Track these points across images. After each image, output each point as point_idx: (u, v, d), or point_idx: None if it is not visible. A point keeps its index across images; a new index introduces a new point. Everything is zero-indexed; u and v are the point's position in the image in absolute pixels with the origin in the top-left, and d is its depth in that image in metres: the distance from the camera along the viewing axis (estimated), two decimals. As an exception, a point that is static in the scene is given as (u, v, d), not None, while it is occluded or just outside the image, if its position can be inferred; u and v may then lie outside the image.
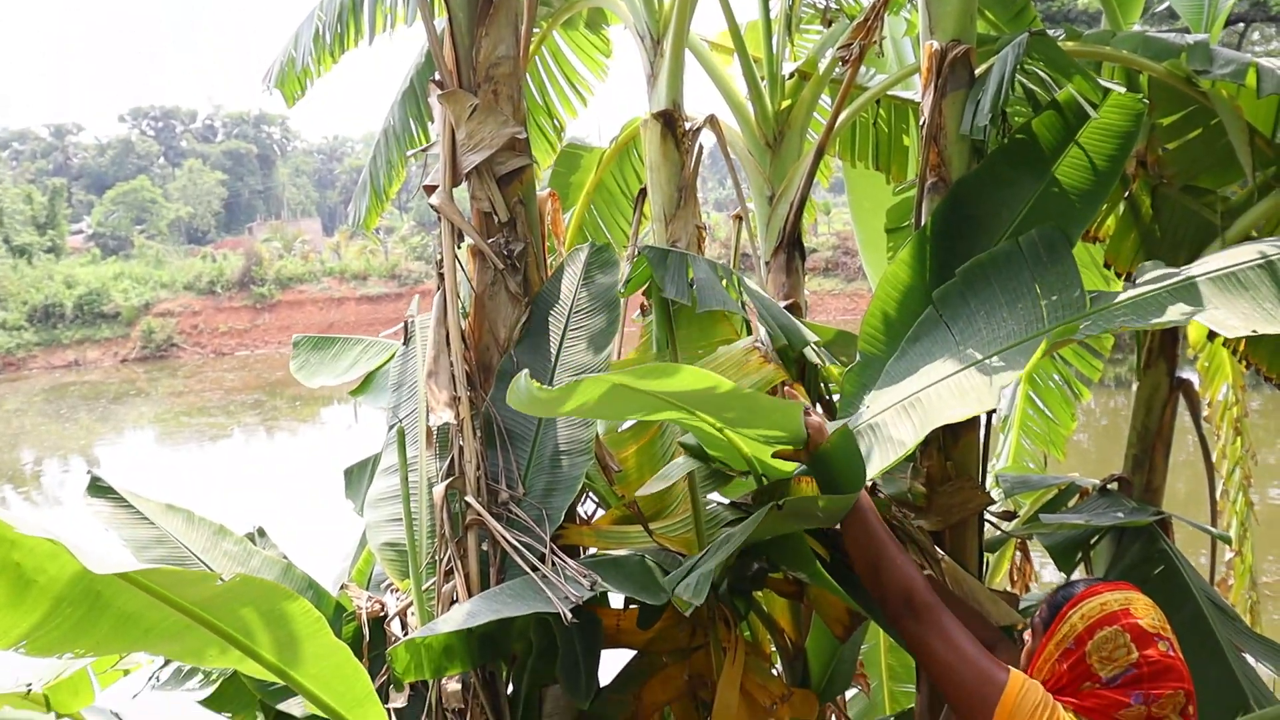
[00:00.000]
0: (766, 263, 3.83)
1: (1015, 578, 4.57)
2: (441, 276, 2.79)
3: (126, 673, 3.05)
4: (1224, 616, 3.08)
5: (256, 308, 38.68)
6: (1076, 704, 1.95)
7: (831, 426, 2.24)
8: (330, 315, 38.32)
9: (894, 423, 2.35)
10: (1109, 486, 3.50)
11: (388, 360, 3.43)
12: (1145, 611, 1.98)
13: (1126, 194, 3.59)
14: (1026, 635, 2.17)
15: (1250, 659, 2.96)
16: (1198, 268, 2.35)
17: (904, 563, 2.15)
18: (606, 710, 2.53)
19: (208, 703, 2.85)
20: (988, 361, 2.36)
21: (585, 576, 2.28)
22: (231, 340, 37.18)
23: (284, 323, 37.54)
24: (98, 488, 2.98)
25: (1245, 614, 6.10)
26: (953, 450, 2.85)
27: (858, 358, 2.80)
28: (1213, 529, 3.94)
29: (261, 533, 3.27)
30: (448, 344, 2.70)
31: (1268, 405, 16.98)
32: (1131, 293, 2.35)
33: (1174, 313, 2.23)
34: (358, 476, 3.68)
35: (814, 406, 2.94)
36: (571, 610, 2.14)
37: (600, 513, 2.92)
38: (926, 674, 2.69)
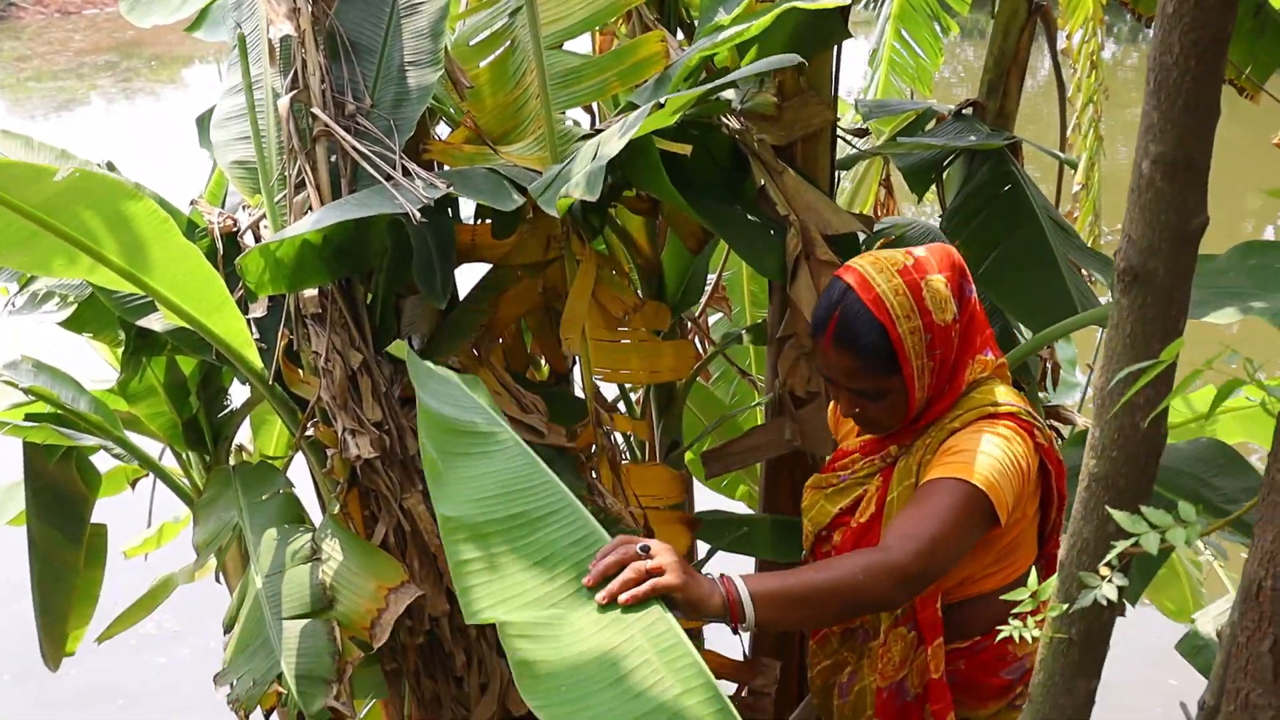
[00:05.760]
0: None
1: (879, 212, 4.72)
2: (272, -119, 2.63)
3: (-18, 304, 3.03)
4: (1064, 235, 3.23)
5: (102, -37, 36.03)
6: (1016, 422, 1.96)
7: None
8: (183, -29, 35.88)
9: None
10: (964, 111, 3.55)
11: (223, -10, 3.23)
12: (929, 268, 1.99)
13: None
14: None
15: (1085, 273, 3.13)
16: None
17: (822, 587, 1.78)
18: (463, 320, 2.61)
19: (68, 324, 2.86)
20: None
21: (438, 182, 2.29)
22: (77, -1, 34.77)
23: (133, -20, 35.07)
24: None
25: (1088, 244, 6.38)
26: (806, 67, 2.86)
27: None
28: (1060, 154, 4.07)
29: (112, 166, 3.19)
30: (284, -48, 2.57)
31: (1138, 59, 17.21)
32: None
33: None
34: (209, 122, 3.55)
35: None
36: (422, 211, 2.16)
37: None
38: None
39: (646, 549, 1.61)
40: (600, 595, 1.55)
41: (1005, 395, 2.03)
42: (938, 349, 1.95)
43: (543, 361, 3.02)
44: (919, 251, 2.00)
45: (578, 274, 2.64)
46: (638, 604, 1.55)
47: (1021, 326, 3.18)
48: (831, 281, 2.03)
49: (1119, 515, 1.08)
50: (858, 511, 2.12)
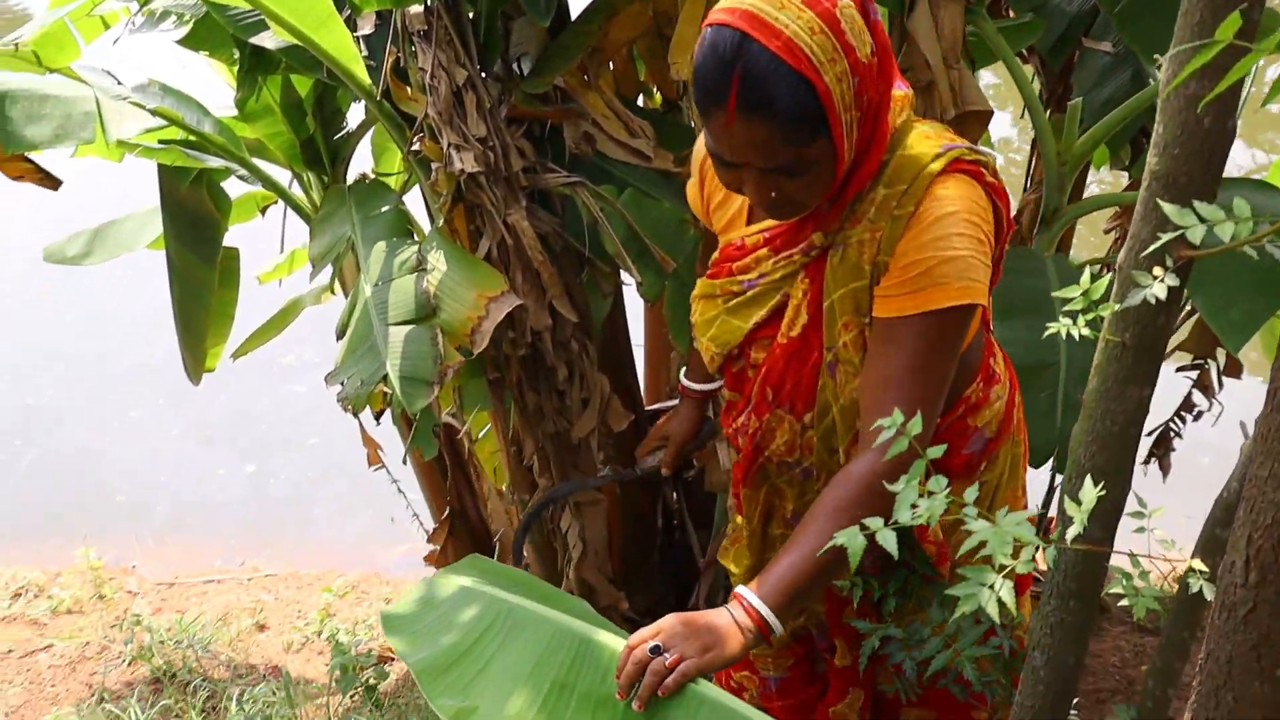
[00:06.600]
0: None
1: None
2: None
3: (106, 25, 3.10)
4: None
5: None
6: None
7: None
8: None
9: None
10: None
11: None
12: None
13: None
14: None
15: None
16: None
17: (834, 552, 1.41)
18: (571, 42, 2.59)
19: (185, 42, 2.91)
20: None
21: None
22: None
23: None
24: None
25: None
26: None
27: None
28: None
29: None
30: None
31: None
32: None
33: None
34: None
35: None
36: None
37: None
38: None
39: (657, 649, 1.54)
40: (635, 703, 1.53)
41: (935, 139, 1.68)
42: (865, 94, 1.55)
43: (655, 90, 3.00)
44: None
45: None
46: (678, 692, 1.53)
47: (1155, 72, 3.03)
48: (714, 30, 1.50)
49: (1168, 208, 1.06)
50: (784, 324, 1.78)
